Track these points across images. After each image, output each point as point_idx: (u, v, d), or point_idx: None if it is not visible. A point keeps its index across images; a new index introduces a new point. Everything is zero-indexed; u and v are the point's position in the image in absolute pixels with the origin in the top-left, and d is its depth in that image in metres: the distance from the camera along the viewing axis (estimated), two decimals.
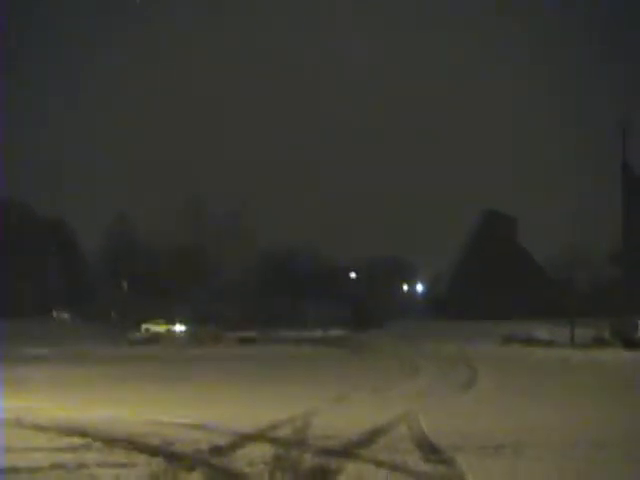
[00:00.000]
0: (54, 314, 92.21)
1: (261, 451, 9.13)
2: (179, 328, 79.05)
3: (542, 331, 57.96)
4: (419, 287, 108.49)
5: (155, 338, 67.47)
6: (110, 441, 9.95)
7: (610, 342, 48.05)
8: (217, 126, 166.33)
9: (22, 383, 21.58)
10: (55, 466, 8.02)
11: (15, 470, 7.72)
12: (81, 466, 8.06)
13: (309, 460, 8.54)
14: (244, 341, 62.94)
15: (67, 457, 8.61)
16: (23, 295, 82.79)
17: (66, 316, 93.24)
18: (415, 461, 8.54)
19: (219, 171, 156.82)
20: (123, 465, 8.11)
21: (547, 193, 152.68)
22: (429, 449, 9.44)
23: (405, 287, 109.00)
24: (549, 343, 53.07)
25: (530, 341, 54.29)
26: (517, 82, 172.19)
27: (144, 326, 76.33)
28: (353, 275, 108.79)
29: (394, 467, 8.09)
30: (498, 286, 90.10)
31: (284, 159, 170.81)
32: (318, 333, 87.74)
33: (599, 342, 49.25)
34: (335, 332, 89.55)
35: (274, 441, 10.04)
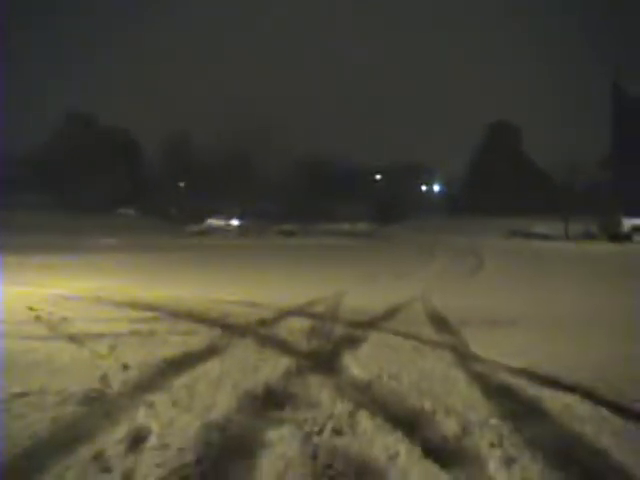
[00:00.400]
0: (120, 210, 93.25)
1: (300, 323, 9.52)
2: (234, 222, 79.46)
3: (541, 227, 58.23)
4: (436, 187, 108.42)
5: (209, 230, 68.14)
6: (175, 314, 10.40)
7: (598, 236, 48.41)
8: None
9: (97, 268, 22.18)
10: (133, 332, 8.47)
11: (101, 335, 8.19)
12: (153, 333, 8.49)
13: (340, 330, 8.95)
14: (285, 233, 63.36)
15: (141, 326, 9.03)
16: (94, 193, 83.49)
17: (131, 212, 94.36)
18: (428, 332, 8.92)
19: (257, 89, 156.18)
20: (187, 333, 8.53)
21: (549, 105, 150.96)
22: (440, 323, 9.80)
23: (424, 187, 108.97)
24: (546, 237, 53.48)
25: (530, 235, 54.74)
26: None
27: (208, 220, 77.26)
28: (378, 177, 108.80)
29: (409, 336, 8.46)
30: (504, 187, 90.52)
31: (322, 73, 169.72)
32: (347, 227, 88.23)
33: (589, 236, 49.63)
34: (362, 226, 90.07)
35: (311, 315, 10.42)
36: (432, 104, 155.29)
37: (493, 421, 4.75)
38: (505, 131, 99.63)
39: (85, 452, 4.06)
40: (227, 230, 71.87)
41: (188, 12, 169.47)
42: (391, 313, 10.83)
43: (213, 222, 79.72)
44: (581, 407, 5.13)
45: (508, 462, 3.96)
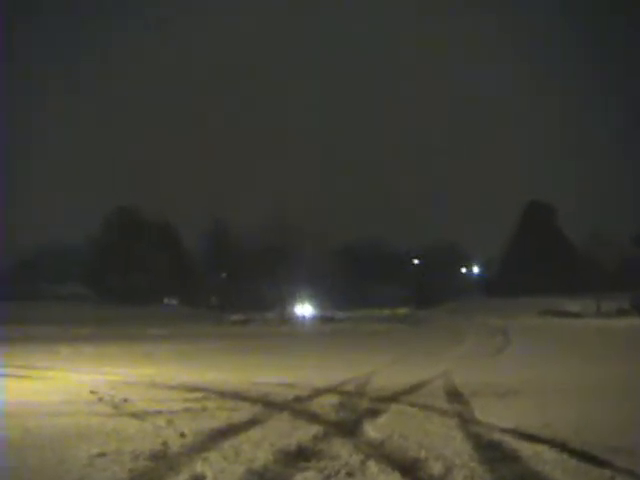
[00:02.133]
0: (165, 301, 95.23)
1: (330, 399, 10.77)
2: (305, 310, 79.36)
3: (573, 305, 58.62)
4: (475, 269, 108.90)
5: (250, 319, 69.33)
6: (222, 394, 11.71)
7: (630, 312, 48.75)
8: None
9: (149, 356, 23.60)
10: (186, 409, 9.82)
11: (159, 412, 9.56)
12: (204, 409, 9.83)
13: (365, 404, 10.21)
14: (323, 320, 64.38)
15: (193, 405, 10.38)
16: (139, 286, 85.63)
17: (174, 302, 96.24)
18: (441, 403, 10.13)
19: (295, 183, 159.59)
20: (233, 409, 9.85)
21: (581, 183, 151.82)
22: (454, 395, 10.99)
23: (463, 270, 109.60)
24: (578, 314, 53.90)
25: (561, 313, 55.16)
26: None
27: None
28: (416, 261, 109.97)
29: (424, 406, 9.68)
30: (540, 267, 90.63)
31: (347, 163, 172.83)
32: (386, 311, 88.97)
33: (621, 313, 49.94)
34: (401, 310, 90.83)
35: (341, 393, 11.65)
36: (468, 184, 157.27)
37: (472, 464, 6.03)
38: (540, 211, 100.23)
39: None
40: (265, 318, 72.80)
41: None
42: (413, 389, 12.00)
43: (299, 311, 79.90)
44: (548, 454, 6.36)
45: None
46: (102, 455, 6.73)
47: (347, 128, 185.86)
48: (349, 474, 5.83)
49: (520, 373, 15.03)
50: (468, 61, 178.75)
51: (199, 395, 11.67)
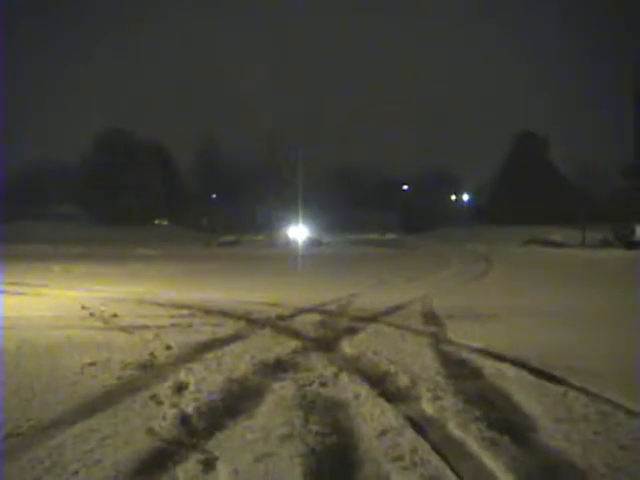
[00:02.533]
0: (156, 222, 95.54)
1: (312, 318, 11.18)
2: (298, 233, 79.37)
3: (558, 234, 59.13)
4: (465, 197, 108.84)
5: (239, 241, 69.75)
6: (207, 312, 12.13)
7: (613, 243, 49.31)
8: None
9: (139, 275, 24.02)
10: (173, 325, 10.25)
11: (147, 327, 9.99)
12: (189, 325, 10.25)
13: (344, 323, 10.63)
14: (312, 243, 64.69)
15: (179, 320, 10.81)
16: (131, 207, 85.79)
17: (165, 223, 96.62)
18: (417, 324, 10.55)
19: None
20: (217, 325, 10.28)
21: (574, 114, 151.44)
22: (431, 317, 11.42)
23: (453, 197, 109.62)
24: (562, 244, 54.47)
25: (546, 242, 55.73)
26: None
27: (259, 237, 78.25)
28: (405, 187, 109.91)
29: (400, 326, 10.11)
30: (529, 196, 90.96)
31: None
32: (375, 236, 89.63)
33: (604, 244, 50.48)
34: (389, 235, 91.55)
35: (322, 312, 12.06)
36: (463, 114, 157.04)
37: (438, 378, 6.47)
38: (531, 141, 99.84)
39: (144, 394, 5.88)
40: (255, 240, 73.14)
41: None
42: (392, 310, 12.41)
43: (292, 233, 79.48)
44: (510, 372, 6.79)
45: (434, 399, 5.68)
46: (93, 364, 7.18)
47: (348, 55, 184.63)
48: (322, 384, 6.27)
49: (497, 298, 15.45)
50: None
51: (185, 312, 12.11)
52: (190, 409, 5.40)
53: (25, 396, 5.82)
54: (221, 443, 4.58)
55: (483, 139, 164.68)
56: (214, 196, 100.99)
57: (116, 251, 46.91)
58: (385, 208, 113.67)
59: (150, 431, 4.84)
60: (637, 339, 9.24)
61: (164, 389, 6.04)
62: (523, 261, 34.56)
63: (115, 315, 11.55)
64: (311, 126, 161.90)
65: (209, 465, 4.20)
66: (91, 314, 11.84)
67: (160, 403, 5.60)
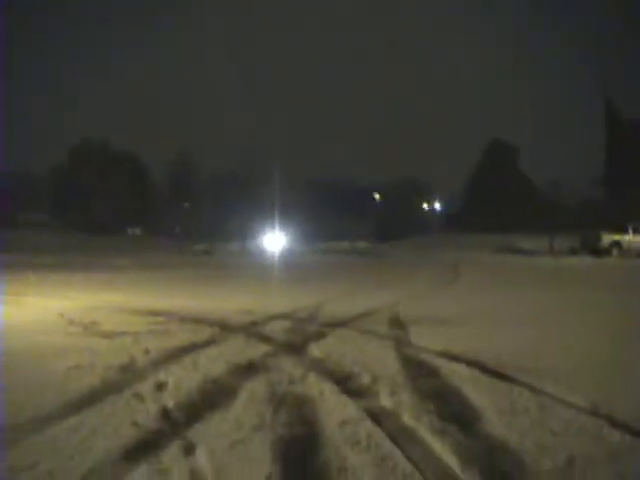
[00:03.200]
0: (129, 231, 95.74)
1: (283, 324, 11.75)
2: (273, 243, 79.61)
3: (527, 242, 60.21)
4: (437, 206, 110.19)
5: (212, 249, 70.09)
6: (183, 319, 12.64)
7: (579, 251, 50.31)
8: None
9: (114, 283, 24.40)
10: (150, 331, 10.74)
11: (126, 333, 10.49)
12: (166, 331, 10.77)
13: (313, 328, 11.21)
14: (283, 253, 65.20)
15: (156, 327, 11.31)
16: (104, 215, 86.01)
17: (138, 232, 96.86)
18: (382, 329, 11.13)
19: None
20: (193, 331, 10.80)
21: (545, 126, 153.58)
22: (396, 323, 12.01)
23: (425, 206, 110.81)
24: (531, 252, 55.51)
25: (514, 250, 56.80)
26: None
27: (232, 246, 78.27)
28: (377, 196, 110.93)
29: (366, 331, 10.70)
30: (500, 205, 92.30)
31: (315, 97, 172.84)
32: (345, 245, 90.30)
33: (571, 251, 51.49)
34: (360, 244, 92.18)
35: (293, 319, 12.63)
36: (433, 121, 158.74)
37: (397, 377, 7.07)
38: (502, 150, 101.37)
39: (127, 393, 6.42)
40: (228, 250, 73.53)
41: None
42: (359, 317, 12.98)
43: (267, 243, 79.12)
44: (464, 371, 7.39)
45: (392, 394, 6.27)
46: (77, 367, 7.69)
47: (320, 63, 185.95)
48: (291, 382, 6.85)
49: (464, 305, 16.01)
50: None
51: (162, 319, 12.60)
52: (170, 404, 5.95)
53: (17, 396, 6.31)
54: (199, 432, 5.14)
55: (455, 148, 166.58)
56: (187, 204, 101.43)
57: (90, 260, 47.08)
58: (357, 216, 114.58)
59: (135, 423, 5.38)
60: (590, 338, 9.91)
61: (145, 387, 6.59)
62: (491, 268, 35.29)
63: (94, 322, 12.02)
64: (280, 136, 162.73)
65: (189, 450, 4.76)
66: (70, 321, 12.29)
67: (142, 400, 6.14)
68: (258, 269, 36.62)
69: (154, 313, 13.76)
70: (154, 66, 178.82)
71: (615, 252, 46.98)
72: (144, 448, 4.79)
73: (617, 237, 48.04)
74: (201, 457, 4.63)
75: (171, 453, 4.70)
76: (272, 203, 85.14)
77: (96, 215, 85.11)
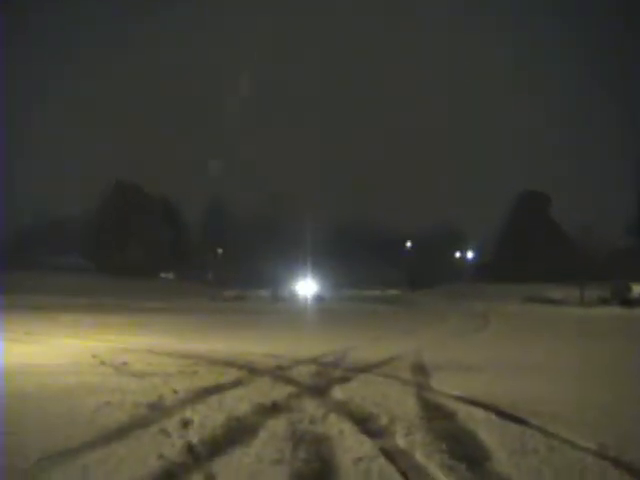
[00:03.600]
0: (162, 275, 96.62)
1: (309, 368, 12.01)
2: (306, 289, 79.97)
3: (557, 292, 59.89)
4: (469, 254, 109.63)
5: (244, 295, 70.58)
6: (212, 362, 12.96)
7: (610, 301, 50.09)
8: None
9: (146, 327, 24.87)
10: (179, 372, 11.09)
11: (155, 373, 10.84)
12: (194, 373, 11.09)
13: (338, 373, 11.46)
14: (314, 299, 65.50)
15: (185, 369, 11.65)
16: (137, 259, 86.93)
17: (170, 276, 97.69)
18: (405, 374, 11.36)
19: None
20: (220, 373, 11.12)
21: (578, 175, 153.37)
22: (419, 369, 12.22)
23: (457, 254, 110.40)
24: (561, 302, 55.27)
25: (545, 300, 56.53)
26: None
27: (263, 292, 78.79)
28: (408, 244, 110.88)
29: (389, 376, 10.94)
30: (531, 254, 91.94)
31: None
32: (377, 292, 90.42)
33: (602, 301, 51.30)
34: (391, 292, 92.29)
35: (319, 364, 12.89)
36: (466, 171, 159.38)
37: (414, 419, 7.30)
38: (534, 199, 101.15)
39: (154, 428, 6.72)
40: (259, 296, 73.98)
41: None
42: (384, 362, 13.21)
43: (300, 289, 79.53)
44: (480, 414, 7.61)
45: (407, 435, 6.52)
46: (108, 404, 8.03)
47: (347, 107, 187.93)
48: (312, 422, 7.11)
49: (487, 353, 16.22)
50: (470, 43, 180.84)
51: (191, 362, 12.93)
52: (195, 440, 6.24)
53: (50, 430, 6.66)
54: (221, 465, 5.43)
55: (489, 198, 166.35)
56: (220, 250, 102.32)
57: (122, 303, 47.81)
58: (388, 264, 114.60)
59: (161, 456, 5.67)
60: (610, 389, 10.04)
61: (172, 424, 6.89)
62: (520, 318, 35.33)
63: (125, 363, 12.40)
64: (311, 184, 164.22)
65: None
66: (102, 362, 12.68)
67: (168, 435, 6.43)
68: (288, 315, 36.95)
69: (184, 356, 14.11)
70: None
71: None
72: (168, 477, 5.08)
73: None
74: None
75: None
76: (303, 250, 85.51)
77: (129, 258, 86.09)
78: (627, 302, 47.02)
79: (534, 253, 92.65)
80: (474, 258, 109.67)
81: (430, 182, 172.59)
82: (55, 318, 28.84)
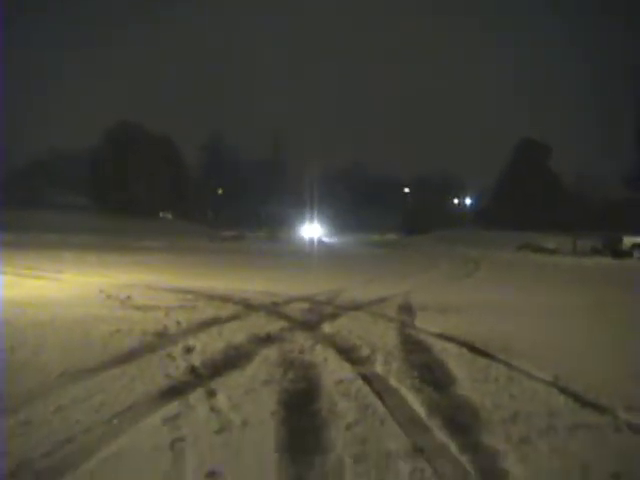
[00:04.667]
0: (161, 214, 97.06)
1: (302, 305, 12.84)
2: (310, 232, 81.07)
3: (552, 241, 60.54)
4: (468, 201, 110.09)
5: (242, 235, 71.32)
6: (210, 297, 13.79)
7: (602, 251, 50.95)
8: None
9: (146, 264, 25.71)
10: (180, 306, 11.93)
11: (158, 307, 11.67)
12: (194, 307, 11.94)
13: (329, 310, 12.29)
14: (312, 241, 66.20)
15: (185, 303, 12.50)
16: (138, 199, 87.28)
17: (170, 216, 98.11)
18: (391, 313, 12.15)
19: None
20: (219, 308, 11.96)
21: (577, 125, 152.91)
22: (405, 309, 13.02)
23: (455, 201, 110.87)
24: (554, 251, 56.03)
25: (539, 249, 57.25)
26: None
27: (261, 233, 79.52)
28: (407, 190, 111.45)
29: (376, 314, 11.77)
30: (529, 203, 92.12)
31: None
32: (376, 237, 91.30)
33: (594, 251, 52.14)
34: (389, 236, 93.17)
35: (312, 301, 13.67)
36: (468, 117, 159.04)
37: (393, 350, 8.12)
38: (533, 148, 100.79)
39: (161, 353, 7.56)
40: (257, 235, 74.86)
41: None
42: (374, 302, 13.98)
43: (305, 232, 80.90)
44: (453, 349, 8.42)
45: (386, 362, 7.35)
46: (118, 331, 8.87)
47: (352, 53, 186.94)
48: (301, 351, 7.93)
49: (473, 295, 16.98)
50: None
51: (190, 297, 13.79)
52: (197, 363, 7.07)
53: (67, 352, 7.49)
54: (220, 384, 6.25)
55: (489, 145, 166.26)
56: (220, 191, 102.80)
57: (123, 241, 48.64)
58: (387, 209, 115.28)
59: (168, 375, 6.50)
60: (581, 332, 10.81)
61: (176, 350, 7.72)
62: (511, 265, 36.10)
63: (129, 297, 13.26)
64: (312, 124, 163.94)
65: (211, 394, 5.88)
66: (108, 296, 13.55)
67: (174, 359, 7.26)
68: (286, 257, 37.72)
69: (184, 291, 14.96)
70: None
71: (637, 254, 47.62)
72: (175, 392, 5.90)
73: (639, 240, 48.80)
74: (220, 399, 5.75)
75: (197, 396, 5.82)
76: (304, 193, 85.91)
77: (129, 197, 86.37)
78: (618, 253, 47.87)
79: (532, 202, 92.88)
80: (472, 205, 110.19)
81: (430, 128, 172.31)
82: (58, 256, 29.66)
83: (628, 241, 48.76)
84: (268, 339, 8.71)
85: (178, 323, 9.79)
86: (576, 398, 6.14)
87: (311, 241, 66.52)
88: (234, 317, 10.71)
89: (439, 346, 8.58)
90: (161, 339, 8.46)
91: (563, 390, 6.41)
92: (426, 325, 10.42)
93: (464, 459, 4.55)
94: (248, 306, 12.39)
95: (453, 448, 4.75)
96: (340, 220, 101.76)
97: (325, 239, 74.38)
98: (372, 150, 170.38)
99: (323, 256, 40.27)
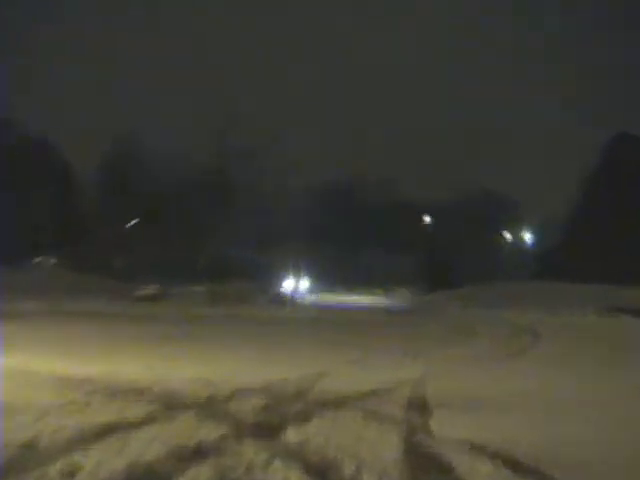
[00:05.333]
0: (37, 260, 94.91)
1: (254, 401, 12.83)
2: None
3: None
4: (528, 237, 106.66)
5: (163, 293, 70.89)
6: (112, 389, 13.84)
7: None
8: None
9: (14, 338, 25.49)
10: (62, 405, 12.02)
11: (26, 407, 11.72)
12: (87, 404, 12.02)
13: (298, 407, 12.34)
14: (277, 301, 66.16)
15: (71, 399, 12.57)
16: (3, 234, 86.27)
17: (52, 262, 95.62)
18: (395, 410, 12.21)
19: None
20: (124, 406, 12.00)
21: None
22: (417, 404, 13.06)
23: (508, 236, 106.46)
24: None
25: (636, 312, 54.97)
26: None
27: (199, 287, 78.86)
28: (427, 219, 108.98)
29: (371, 412, 11.85)
30: (622, 239, 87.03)
31: None
32: (377, 294, 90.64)
33: None
34: (398, 293, 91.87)
35: (271, 394, 13.72)
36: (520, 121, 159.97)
37: (391, 471, 8.24)
38: (632, 146, 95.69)
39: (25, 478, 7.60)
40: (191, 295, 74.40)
41: None
42: (369, 394, 14.03)
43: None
44: (487, 469, 8.53)
45: None
46: None
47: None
48: (248, 469, 8.01)
49: (519, 385, 16.97)
50: None
51: (80, 390, 13.78)
52: None
53: None
54: None
55: (551, 164, 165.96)
56: (133, 222, 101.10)
57: None
58: (396, 250, 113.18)
59: None
60: None
61: (51, 473, 7.74)
62: (592, 337, 35.61)
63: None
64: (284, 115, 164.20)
65: None
66: None
67: None
68: (233, 324, 37.71)
69: (69, 382, 14.94)
70: None
71: None
72: None
73: None
74: None
75: None
76: (271, 226, 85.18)
77: None
78: None
79: (625, 238, 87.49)
80: (534, 243, 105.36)
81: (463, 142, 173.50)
82: None
83: None
84: (198, 452, 8.78)
85: (56, 431, 9.81)
86: None
87: (281, 300, 66.53)
88: (148, 420, 10.76)
89: (465, 465, 8.67)
90: (28, 454, 8.49)
91: None
92: (445, 429, 10.52)
93: None
94: (171, 403, 12.45)
95: None
96: (322, 269, 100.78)
97: (297, 295, 74.41)
98: (373, 161, 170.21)
99: (292, 323, 40.16)
